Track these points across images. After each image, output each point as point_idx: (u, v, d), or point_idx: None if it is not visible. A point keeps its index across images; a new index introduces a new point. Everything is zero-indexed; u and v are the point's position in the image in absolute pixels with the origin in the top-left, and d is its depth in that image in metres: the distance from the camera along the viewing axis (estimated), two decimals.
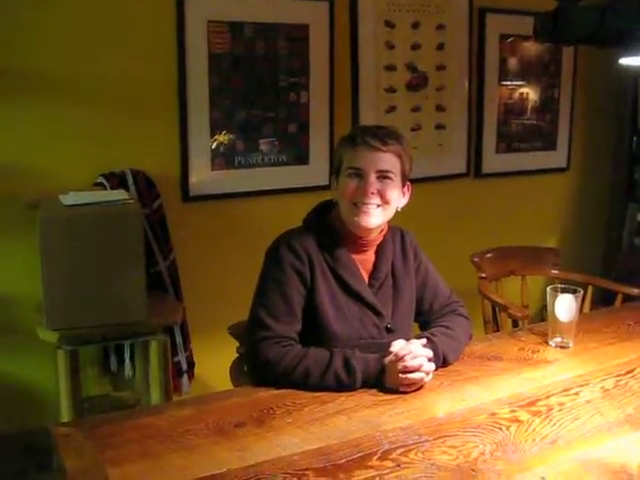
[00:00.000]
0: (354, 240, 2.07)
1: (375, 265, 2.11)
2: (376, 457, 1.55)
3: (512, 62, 4.20)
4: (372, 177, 1.99)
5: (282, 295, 1.98)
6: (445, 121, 4.00)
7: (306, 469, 1.49)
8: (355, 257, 2.08)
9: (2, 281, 3.10)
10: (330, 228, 2.08)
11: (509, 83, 4.23)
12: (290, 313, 1.98)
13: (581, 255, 4.59)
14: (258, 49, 3.37)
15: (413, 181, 3.79)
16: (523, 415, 1.76)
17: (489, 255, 3.24)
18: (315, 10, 3.48)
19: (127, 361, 3.19)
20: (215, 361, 2.83)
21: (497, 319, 3.10)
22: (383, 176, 2.00)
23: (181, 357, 3.26)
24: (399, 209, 2.10)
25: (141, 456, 1.53)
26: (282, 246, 2.04)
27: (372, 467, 1.51)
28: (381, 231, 2.11)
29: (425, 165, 3.94)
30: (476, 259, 3.19)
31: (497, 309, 3.08)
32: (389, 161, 2.00)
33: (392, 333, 2.06)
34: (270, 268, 2.04)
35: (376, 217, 2.02)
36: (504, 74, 4.19)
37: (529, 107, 4.34)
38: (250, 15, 3.32)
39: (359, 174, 2.01)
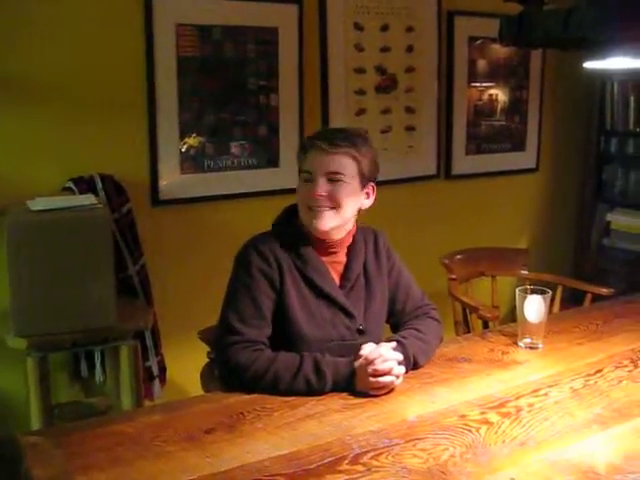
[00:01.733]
0: (320, 242, 2.07)
1: (346, 266, 2.11)
2: (347, 461, 1.55)
3: (481, 64, 4.23)
4: (321, 179, 2.00)
5: (251, 299, 1.98)
6: (415, 123, 4.01)
7: (277, 474, 1.49)
8: (325, 259, 2.08)
9: None
10: (298, 231, 2.08)
11: (478, 85, 4.25)
12: (260, 317, 1.98)
13: (551, 255, 4.63)
14: (227, 52, 3.36)
15: (383, 183, 3.82)
16: (493, 417, 1.77)
17: (459, 257, 3.26)
18: (284, 13, 3.48)
19: (98, 367, 3.16)
20: (186, 366, 2.82)
21: (468, 320, 3.13)
22: (333, 178, 2.00)
23: (152, 362, 3.24)
24: (362, 210, 2.10)
25: (110, 464, 1.52)
26: (250, 250, 2.04)
27: (343, 471, 1.51)
28: (348, 232, 2.11)
29: (395, 167, 3.96)
30: (446, 261, 3.21)
31: (467, 310, 3.10)
32: (339, 162, 1.99)
33: (364, 334, 2.06)
34: (239, 273, 2.04)
35: (329, 220, 2.01)
36: (473, 76, 4.21)
37: (498, 108, 4.37)
38: (219, 18, 3.30)
39: (310, 177, 2.02)
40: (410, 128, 4.00)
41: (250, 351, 1.92)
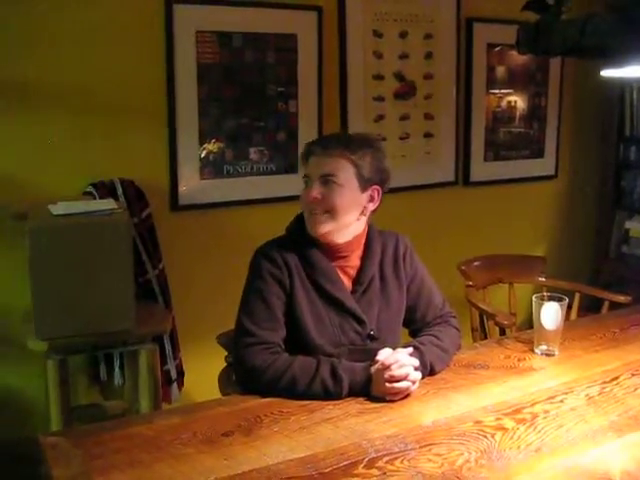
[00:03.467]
0: (328, 247, 2.08)
1: (359, 270, 2.11)
2: (362, 465, 1.56)
3: (500, 71, 4.23)
4: (315, 183, 2.03)
5: (263, 302, 2.01)
6: (433, 129, 4.02)
7: (293, 477, 1.50)
8: (335, 263, 2.09)
9: None
10: (307, 236, 2.09)
11: (497, 91, 4.26)
12: (272, 319, 2.00)
13: (569, 262, 4.61)
14: (247, 59, 3.39)
15: (402, 189, 3.86)
16: (508, 423, 1.77)
17: (476, 263, 3.26)
18: (303, 20, 3.51)
19: (116, 370, 3.19)
20: (204, 370, 2.84)
21: (485, 327, 3.13)
22: (326, 180, 2.01)
23: (170, 366, 3.27)
24: (369, 214, 2.11)
25: (129, 465, 1.54)
26: (260, 256, 2.07)
27: (358, 475, 1.52)
28: (357, 236, 2.10)
29: (413, 173, 3.98)
30: (463, 267, 3.21)
31: (484, 317, 3.10)
32: (332, 165, 2.01)
33: (375, 340, 2.07)
34: (251, 278, 2.07)
35: (324, 225, 2.03)
36: (492, 83, 4.22)
37: (517, 115, 4.37)
38: (238, 25, 3.34)
39: (308, 182, 2.05)
40: (428, 135, 4.01)
41: (267, 354, 1.94)
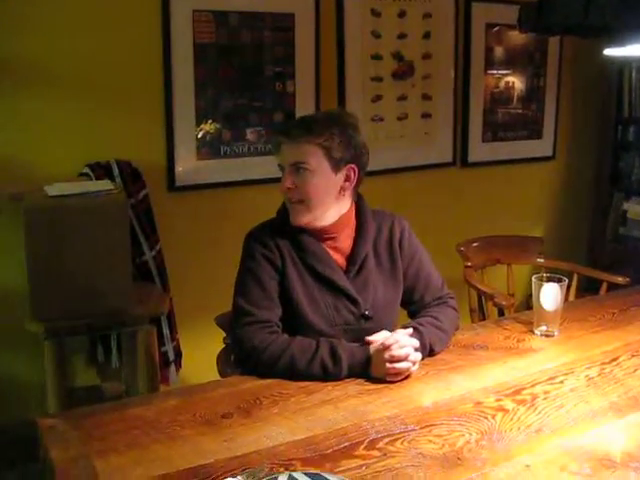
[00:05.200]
0: (316, 230, 2.06)
1: (353, 249, 2.09)
2: (362, 446, 1.55)
3: (498, 51, 4.21)
4: (287, 172, 2.01)
5: (258, 283, 2.00)
6: (431, 110, 4.00)
7: (293, 459, 1.49)
8: (326, 244, 2.07)
9: None
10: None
11: (495, 72, 4.24)
12: (268, 298, 2.00)
13: (567, 244, 4.61)
14: (243, 38, 3.36)
15: (399, 170, 3.85)
16: (508, 404, 1.77)
17: (475, 244, 3.26)
18: None
19: (114, 351, 3.18)
20: (202, 351, 2.83)
21: (483, 308, 3.12)
22: (297, 168, 1.99)
23: (168, 347, 3.26)
24: (346, 193, 2.07)
25: (127, 447, 1.53)
26: (252, 239, 2.07)
27: (359, 457, 1.51)
28: (343, 216, 2.08)
29: (411, 154, 3.97)
30: (462, 248, 3.21)
31: (483, 298, 3.10)
32: (299, 152, 1.98)
33: (370, 320, 2.06)
34: (244, 260, 2.07)
35: (301, 215, 2.02)
36: (490, 63, 4.20)
37: (515, 96, 4.36)
38: (235, 4, 3.31)
39: (282, 170, 2.04)
40: (426, 115, 3.99)
41: (265, 333, 1.93)
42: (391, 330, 1.97)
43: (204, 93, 3.33)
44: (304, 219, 2.03)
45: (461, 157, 4.19)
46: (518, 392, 1.83)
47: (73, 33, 3.05)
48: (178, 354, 3.33)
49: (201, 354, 2.93)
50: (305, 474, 1.37)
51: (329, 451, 1.53)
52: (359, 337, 1.96)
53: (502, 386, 1.86)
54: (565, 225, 4.69)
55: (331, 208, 2.05)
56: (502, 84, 4.29)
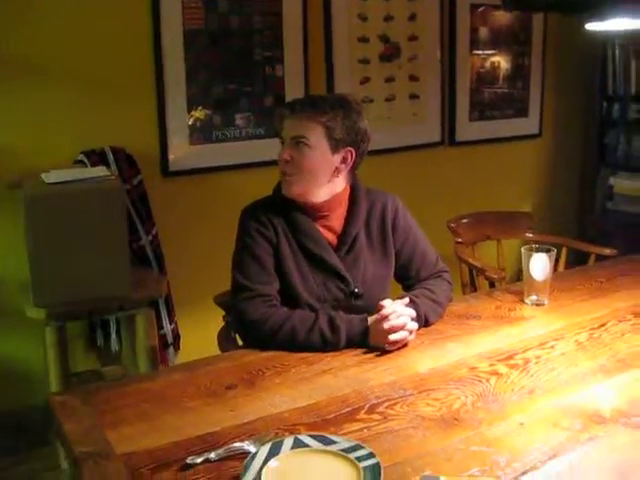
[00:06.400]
0: (308, 208, 2.11)
1: (343, 229, 2.15)
2: (363, 411, 1.62)
3: (483, 31, 4.26)
4: (287, 144, 2.07)
5: (254, 259, 2.06)
6: (419, 91, 4.06)
7: (297, 424, 1.56)
8: (318, 223, 2.13)
9: None
10: (289, 198, 2.12)
11: (481, 52, 4.29)
12: (265, 273, 2.05)
13: (555, 219, 4.68)
14: (232, 24, 3.41)
15: (389, 151, 3.90)
16: (502, 368, 1.83)
17: (465, 221, 3.32)
18: None
19: (113, 335, 3.23)
20: (200, 333, 2.89)
21: (474, 282, 3.19)
22: (297, 142, 2.05)
23: (167, 330, 3.32)
24: (340, 175, 2.11)
25: (137, 418, 1.59)
26: (247, 216, 2.13)
27: (360, 420, 1.58)
28: (336, 196, 2.13)
29: (400, 134, 4.02)
30: (452, 225, 3.27)
31: (474, 272, 3.16)
32: (301, 127, 2.04)
33: (359, 298, 2.12)
34: (240, 237, 2.13)
35: (294, 186, 2.07)
36: (476, 43, 4.25)
37: (501, 75, 4.41)
38: None
39: (282, 142, 2.10)
40: (414, 96, 4.05)
41: (265, 306, 1.99)
42: None
43: (195, 79, 3.38)
44: (297, 190, 2.07)
45: (449, 137, 4.24)
46: (511, 357, 1.90)
47: (64, 23, 3.09)
48: (176, 336, 3.39)
49: (200, 335, 2.99)
50: (310, 436, 1.43)
51: (331, 416, 1.60)
52: (349, 314, 2.01)
53: (495, 352, 1.93)
54: (553, 201, 4.76)
55: (324, 186, 2.10)
56: (488, 64, 4.34)
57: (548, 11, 1.92)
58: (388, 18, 3.85)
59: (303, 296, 2.07)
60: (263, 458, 1.34)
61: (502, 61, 4.39)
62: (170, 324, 3.33)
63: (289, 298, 2.08)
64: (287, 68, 3.59)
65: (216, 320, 2.50)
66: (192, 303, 3.38)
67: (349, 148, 2.09)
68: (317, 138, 2.04)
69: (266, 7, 3.47)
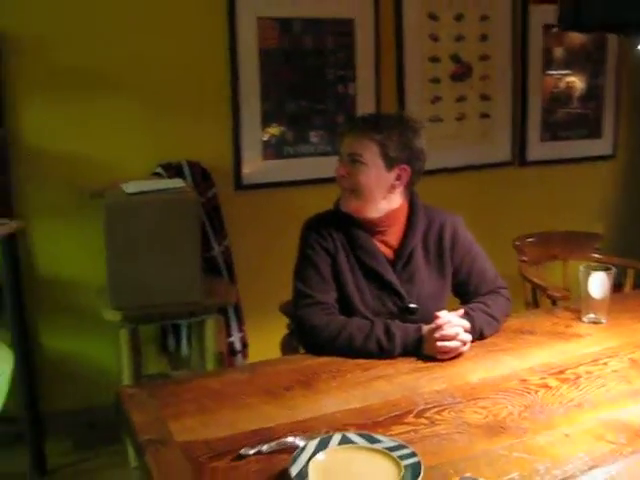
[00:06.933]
0: (367, 223, 2.19)
1: (400, 245, 2.21)
2: (412, 415, 1.68)
3: (557, 51, 4.27)
4: (344, 161, 2.15)
5: (314, 268, 2.16)
6: (489, 110, 4.10)
7: (347, 424, 1.63)
8: (375, 238, 2.20)
9: (68, 265, 3.31)
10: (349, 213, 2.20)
11: (555, 72, 4.30)
12: (324, 282, 2.14)
13: (626, 242, 4.62)
14: (306, 44, 3.54)
15: (458, 169, 3.95)
16: (552, 382, 1.87)
17: (531, 239, 3.34)
18: (360, 5, 3.64)
19: (184, 340, 3.37)
20: (267, 342, 2.98)
21: (537, 301, 3.20)
22: (353, 159, 2.12)
23: (235, 338, 3.44)
24: (396, 192, 2.17)
25: (198, 412, 1.70)
26: (309, 228, 2.24)
27: (408, 423, 1.64)
28: (394, 212, 2.19)
29: (470, 153, 4.07)
30: (517, 243, 3.30)
31: (538, 292, 3.18)
32: (358, 145, 2.12)
33: (414, 314, 2.17)
34: (301, 248, 2.23)
35: (350, 202, 2.15)
36: (549, 64, 4.27)
37: (575, 95, 4.41)
38: (298, 11, 3.49)
39: (339, 159, 2.18)
40: (485, 115, 4.09)
41: (323, 314, 2.08)
42: None
43: (269, 97, 3.52)
44: (352, 206, 2.16)
45: (519, 156, 4.26)
46: (562, 372, 1.93)
47: (145, 40, 3.29)
48: (244, 345, 3.50)
49: (267, 344, 3.07)
50: (357, 434, 1.50)
51: (381, 419, 1.67)
52: None
53: (547, 366, 1.96)
54: (625, 224, 4.71)
55: (380, 202, 2.17)
56: (562, 84, 4.35)
57: (604, 32, 1.94)
58: (459, 38, 3.92)
59: (359, 308, 2.15)
60: (311, 452, 1.42)
61: (577, 81, 4.39)
62: (239, 332, 3.45)
63: (345, 309, 2.16)
64: (359, 87, 3.69)
65: (282, 329, 2.61)
66: (260, 312, 3.49)
67: (404, 166, 2.16)
68: (372, 156, 2.12)
69: (339, 28, 3.59)
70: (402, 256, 2.20)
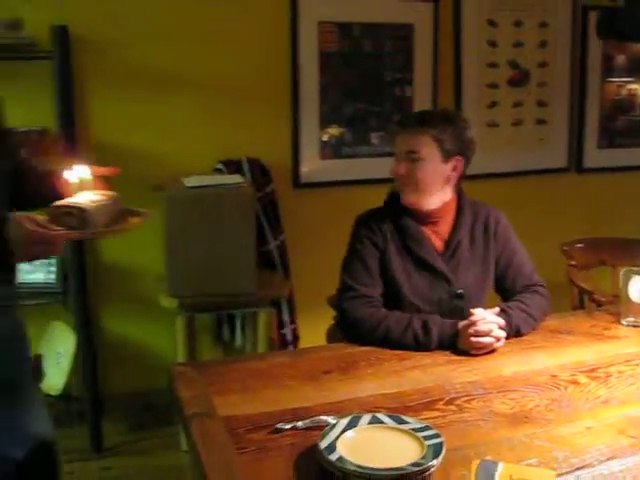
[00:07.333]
0: (419, 213, 2.30)
1: (450, 234, 2.32)
2: (442, 402, 1.77)
3: (619, 58, 4.27)
4: (400, 159, 2.26)
5: (361, 263, 2.27)
6: (546, 116, 4.14)
7: (380, 407, 1.73)
8: (425, 228, 2.31)
9: (130, 254, 3.47)
10: (401, 205, 2.32)
11: (616, 80, 4.30)
12: (369, 276, 2.25)
13: None
14: (365, 47, 3.65)
15: (513, 174, 3.99)
16: (582, 379, 1.93)
17: (579, 245, 3.36)
18: (420, 10, 3.73)
19: (238, 330, 3.51)
20: (317, 335, 3.09)
21: (584, 306, 3.23)
22: (411, 157, 2.23)
23: (287, 330, 3.56)
24: (451, 183, 2.28)
25: (242, 390, 1.82)
26: (359, 224, 2.36)
27: (438, 409, 1.74)
28: (446, 204, 2.30)
29: (526, 159, 4.11)
30: (566, 248, 3.33)
31: (585, 296, 3.21)
32: (414, 142, 2.23)
33: (462, 299, 2.28)
34: (351, 242, 2.35)
35: (410, 195, 2.26)
36: (610, 70, 4.27)
37: (638, 103, 4.39)
38: (358, 16, 3.60)
39: (396, 157, 2.28)
40: (541, 121, 4.13)
41: (366, 307, 2.19)
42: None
43: (328, 98, 3.64)
44: (412, 198, 2.27)
45: (576, 163, 4.28)
46: (593, 370, 1.99)
47: (210, 42, 3.44)
48: (296, 337, 3.62)
49: (317, 337, 3.18)
50: (387, 415, 1.60)
51: (412, 404, 1.76)
52: (452, 314, 2.18)
53: (579, 364, 2.02)
54: None
55: (437, 194, 2.28)
56: (624, 91, 4.34)
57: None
58: (518, 44, 3.97)
59: (409, 297, 2.26)
60: (341, 429, 1.53)
61: (639, 89, 4.37)
62: (290, 324, 3.57)
63: (395, 299, 2.27)
64: (416, 89, 3.78)
65: (331, 322, 2.72)
66: (312, 306, 3.58)
67: (458, 157, 2.28)
68: (429, 150, 2.23)
69: (398, 32, 3.68)
70: (451, 246, 2.31)
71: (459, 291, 2.29)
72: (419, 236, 2.30)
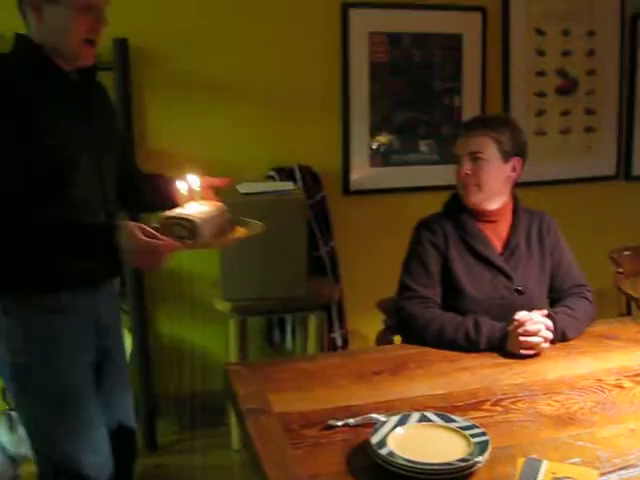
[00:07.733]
0: (480, 214, 2.39)
1: (509, 235, 2.41)
2: (489, 403, 1.83)
3: None
4: (465, 159, 2.34)
5: (421, 264, 2.36)
6: (595, 124, 4.16)
7: (429, 407, 1.80)
8: (486, 227, 2.39)
9: (185, 258, 3.56)
10: (462, 206, 2.40)
11: None
12: (428, 277, 2.34)
13: None
14: (415, 57, 3.72)
15: (562, 182, 4.01)
16: (627, 383, 1.97)
17: (627, 252, 3.39)
18: (468, 20, 3.79)
19: (289, 334, 3.59)
20: (367, 340, 3.17)
21: (631, 314, 3.25)
22: (474, 157, 2.32)
23: (337, 334, 3.63)
24: (511, 182, 2.38)
25: (294, 388, 1.91)
26: (420, 227, 2.45)
27: (484, 410, 1.80)
28: (505, 204, 2.40)
29: (574, 166, 4.14)
30: (614, 255, 3.35)
31: (632, 304, 3.23)
32: (477, 143, 2.32)
33: (522, 295, 2.34)
34: (412, 245, 2.44)
35: (475, 195, 2.35)
36: None
37: None
38: (407, 26, 3.68)
39: (458, 160, 2.37)
40: (589, 129, 4.15)
41: (422, 306, 2.28)
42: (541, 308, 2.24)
43: (378, 107, 3.71)
44: (478, 198, 2.36)
45: (625, 171, 4.29)
46: (638, 375, 2.02)
47: (263, 53, 3.55)
48: (345, 341, 3.69)
49: (366, 342, 3.27)
50: (436, 414, 1.67)
51: (460, 404, 1.83)
52: (512, 311, 2.21)
53: (625, 369, 2.06)
54: None
55: (498, 194, 2.38)
56: None
57: None
58: (566, 53, 4.00)
59: (471, 294, 2.33)
60: (392, 425, 1.60)
61: None
62: (340, 329, 3.64)
63: (457, 297, 2.34)
64: (464, 99, 3.84)
65: (380, 326, 2.79)
66: (362, 311, 3.66)
67: (516, 158, 2.37)
68: (491, 151, 2.33)
69: (447, 42, 3.75)
70: (510, 246, 2.39)
71: (518, 287, 2.35)
72: (480, 235, 2.38)
